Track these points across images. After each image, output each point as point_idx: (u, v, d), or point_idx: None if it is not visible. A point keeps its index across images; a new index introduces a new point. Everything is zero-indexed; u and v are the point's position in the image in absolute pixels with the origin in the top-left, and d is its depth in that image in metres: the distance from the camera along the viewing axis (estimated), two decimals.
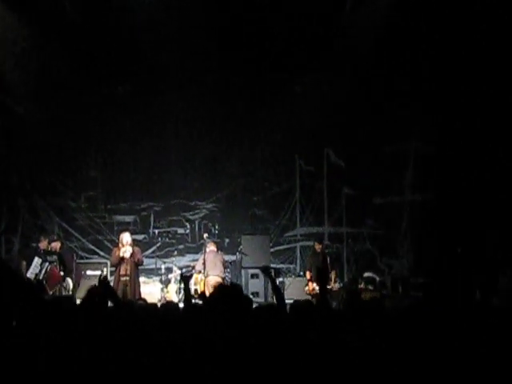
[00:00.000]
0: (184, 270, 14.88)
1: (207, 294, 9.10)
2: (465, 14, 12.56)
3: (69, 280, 12.38)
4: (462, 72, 13.40)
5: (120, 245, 11.98)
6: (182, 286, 11.66)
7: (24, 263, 12.41)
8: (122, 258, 11.78)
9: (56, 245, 12.91)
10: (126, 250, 11.80)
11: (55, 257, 12.52)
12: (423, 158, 15.07)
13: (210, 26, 13.55)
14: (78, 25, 13.43)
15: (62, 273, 12.35)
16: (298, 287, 13.61)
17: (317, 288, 12.84)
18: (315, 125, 15.11)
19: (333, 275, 13.22)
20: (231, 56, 14.34)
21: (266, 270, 6.97)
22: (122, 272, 11.76)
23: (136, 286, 11.77)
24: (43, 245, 12.84)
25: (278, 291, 5.78)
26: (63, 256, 12.68)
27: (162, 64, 14.50)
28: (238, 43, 14.03)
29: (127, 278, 11.68)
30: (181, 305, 6.58)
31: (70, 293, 12.15)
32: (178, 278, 13.56)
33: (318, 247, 13.55)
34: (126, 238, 11.99)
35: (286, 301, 5.94)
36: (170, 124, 16.05)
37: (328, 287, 12.90)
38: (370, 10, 13.58)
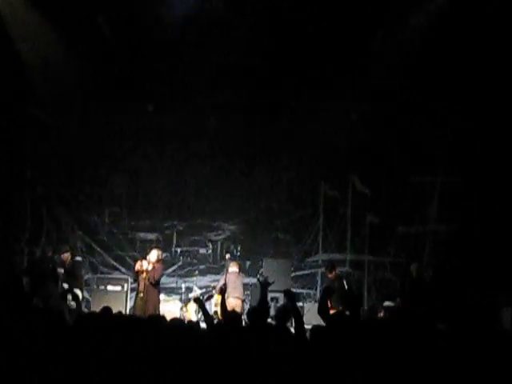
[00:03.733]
0: (204, 290, 14.88)
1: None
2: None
3: (78, 291, 12.32)
4: (489, 106, 13.36)
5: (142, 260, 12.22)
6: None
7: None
8: (137, 273, 12.08)
9: (66, 256, 12.93)
10: (141, 265, 12.07)
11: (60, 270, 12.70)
12: (449, 190, 15.00)
13: (238, 50, 13.64)
14: (111, 42, 13.59)
15: (65, 285, 12.34)
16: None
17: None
18: (341, 150, 15.16)
19: None
20: (258, 82, 14.38)
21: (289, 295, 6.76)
22: (140, 288, 12.08)
23: (151, 302, 11.90)
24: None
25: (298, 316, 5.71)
26: (73, 268, 12.84)
27: (187, 84, 14.56)
28: (266, 71, 14.09)
29: (142, 295, 11.94)
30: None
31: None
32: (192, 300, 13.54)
33: (329, 275, 13.21)
34: (150, 254, 12.25)
35: (305, 326, 5.92)
36: (196, 145, 16.08)
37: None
38: (401, 39, 13.54)
